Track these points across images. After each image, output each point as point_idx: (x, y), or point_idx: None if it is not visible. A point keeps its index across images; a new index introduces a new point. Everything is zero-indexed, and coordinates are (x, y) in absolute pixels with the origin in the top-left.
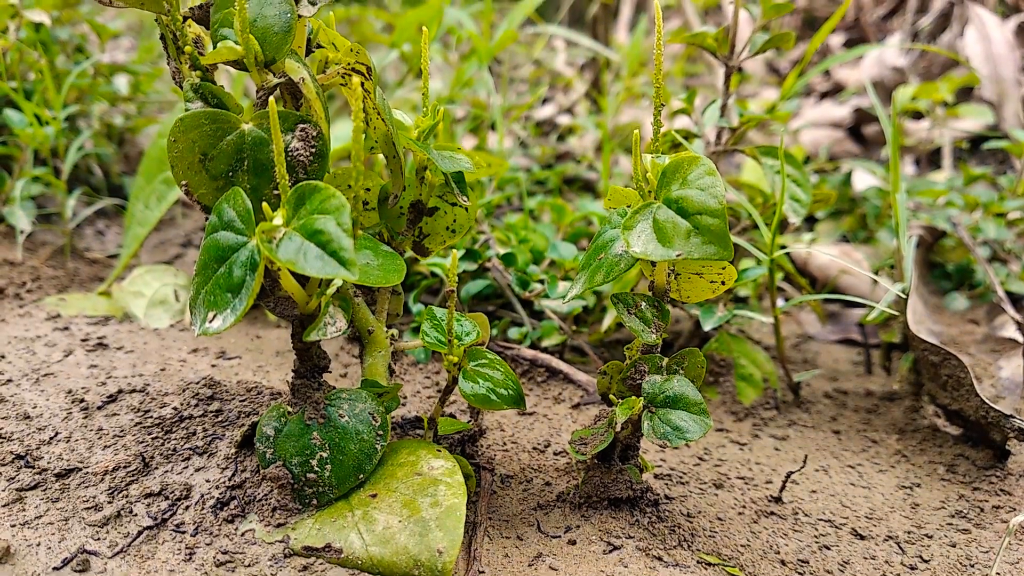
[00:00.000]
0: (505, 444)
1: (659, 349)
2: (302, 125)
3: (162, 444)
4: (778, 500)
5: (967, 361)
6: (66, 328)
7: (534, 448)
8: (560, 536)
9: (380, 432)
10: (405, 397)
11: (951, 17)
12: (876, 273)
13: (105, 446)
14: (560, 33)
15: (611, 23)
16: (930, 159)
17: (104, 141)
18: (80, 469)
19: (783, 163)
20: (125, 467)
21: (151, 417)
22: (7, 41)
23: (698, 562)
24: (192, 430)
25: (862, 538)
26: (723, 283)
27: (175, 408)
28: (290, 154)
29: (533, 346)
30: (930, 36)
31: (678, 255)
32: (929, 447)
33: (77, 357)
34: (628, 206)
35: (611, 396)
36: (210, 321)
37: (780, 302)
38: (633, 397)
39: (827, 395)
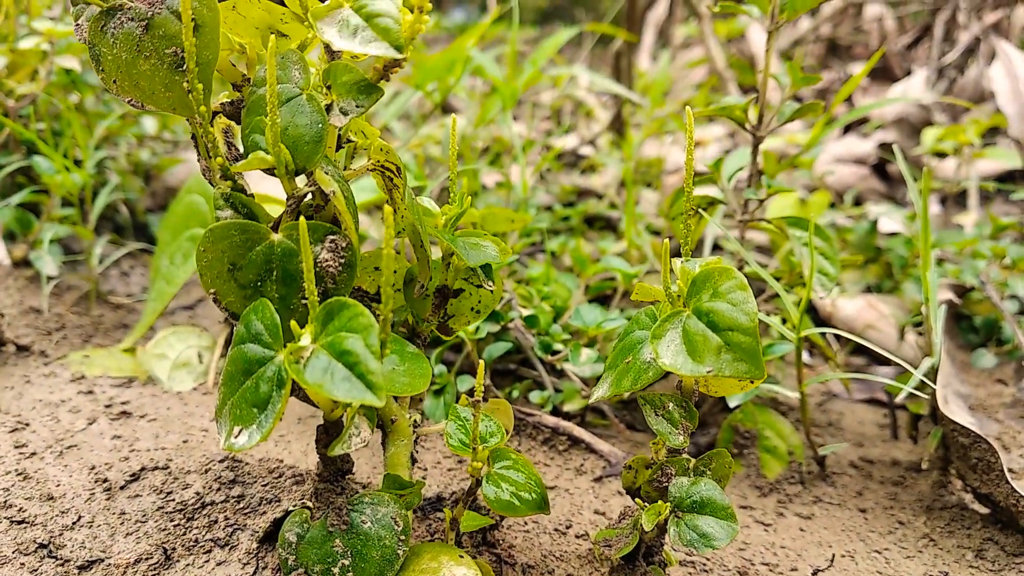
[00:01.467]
0: (526, 524)
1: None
2: (332, 237)
3: (184, 533)
4: None
5: (995, 429)
6: (90, 392)
7: (555, 530)
8: None
9: (402, 537)
10: (425, 468)
11: (977, 51)
12: (903, 330)
13: (127, 533)
14: (583, 74)
15: (634, 53)
16: (956, 199)
17: (130, 179)
18: (102, 560)
19: (812, 243)
20: (147, 559)
21: (173, 500)
22: (40, 84)
23: None
24: (214, 518)
25: None
26: (752, 381)
27: (197, 492)
28: (319, 265)
29: (555, 409)
30: (956, 69)
31: (708, 371)
32: (957, 528)
33: (101, 426)
34: (655, 301)
35: (636, 499)
36: (236, 436)
37: (805, 356)
38: (660, 502)
39: (853, 464)
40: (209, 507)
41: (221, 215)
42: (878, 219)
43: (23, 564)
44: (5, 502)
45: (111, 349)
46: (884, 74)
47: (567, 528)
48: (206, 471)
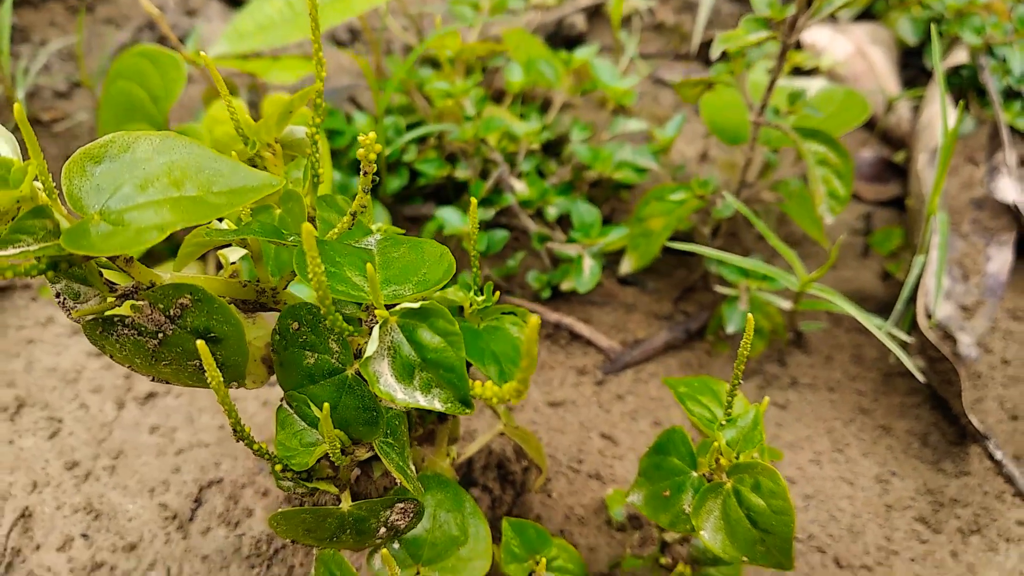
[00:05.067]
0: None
1: None
2: (400, 504)
3: None
4: None
5: (959, 250)
6: (100, 355)
7: (569, 467)
8: None
9: None
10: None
11: None
12: (890, 104)
13: None
14: None
15: None
16: None
17: None
18: None
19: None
20: None
21: (245, 538)
22: None
23: None
24: (290, 564)
25: (841, 567)
26: None
27: (265, 530)
28: (389, 523)
29: (554, 289)
30: None
31: (744, 560)
32: (908, 409)
33: (132, 414)
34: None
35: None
36: None
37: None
38: (682, 566)
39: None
40: (281, 550)
41: (283, 484)
42: None
43: None
44: (96, 560)
45: None
46: None
47: (579, 464)
48: (264, 493)
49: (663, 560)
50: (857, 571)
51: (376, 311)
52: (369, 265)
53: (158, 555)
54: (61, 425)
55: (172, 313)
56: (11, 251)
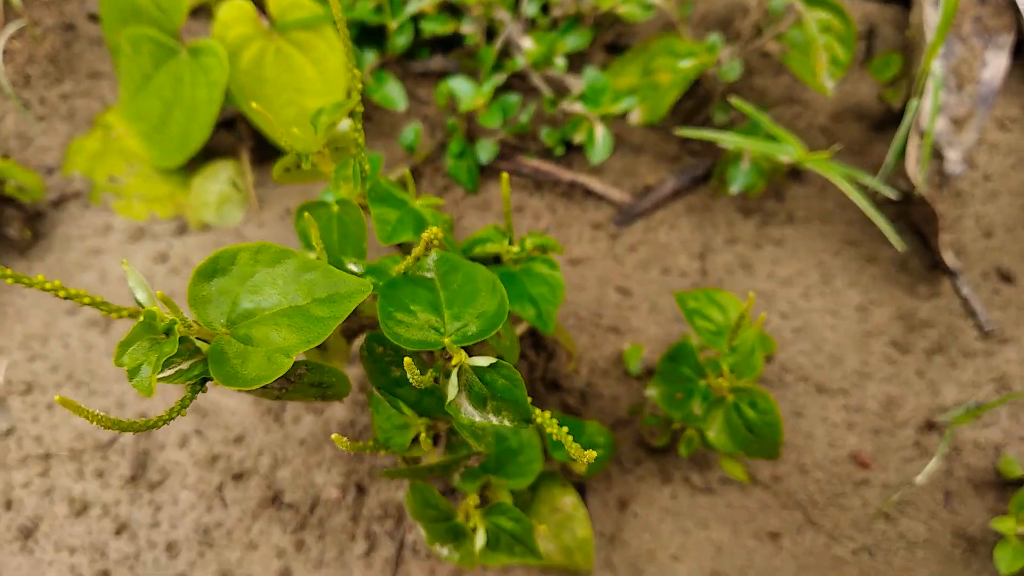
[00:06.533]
0: (567, 320)
1: None
2: (475, 456)
3: (358, 462)
4: (769, 359)
5: (957, 55)
6: (164, 257)
7: (592, 323)
8: (633, 471)
9: None
10: None
11: None
12: None
13: (318, 465)
14: None
15: None
16: None
17: None
18: (320, 500)
19: None
20: (349, 492)
21: (331, 422)
22: None
23: (720, 480)
24: None
25: (821, 392)
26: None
27: (346, 414)
28: (467, 466)
29: (566, 143)
30: None
31: (741, 452)
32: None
33: None
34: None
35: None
36: None
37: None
38: (692, 432)
39: (824, 129)
40: (364, 432)
41: (383, 451)
42: None
43: (270, 518)
44: (213, 452)
45: (134, 166)
46: None
47: (599, 319)
48: None
49: (676, 424)
50: (835, 395)
51: (452, 359)
52: (447, 339)
53: (263, 444)
54: None
55: (292, 378)
56: (167, 372)
